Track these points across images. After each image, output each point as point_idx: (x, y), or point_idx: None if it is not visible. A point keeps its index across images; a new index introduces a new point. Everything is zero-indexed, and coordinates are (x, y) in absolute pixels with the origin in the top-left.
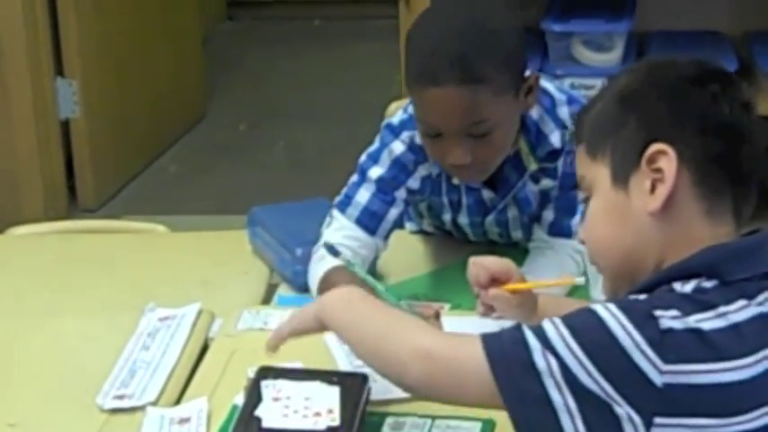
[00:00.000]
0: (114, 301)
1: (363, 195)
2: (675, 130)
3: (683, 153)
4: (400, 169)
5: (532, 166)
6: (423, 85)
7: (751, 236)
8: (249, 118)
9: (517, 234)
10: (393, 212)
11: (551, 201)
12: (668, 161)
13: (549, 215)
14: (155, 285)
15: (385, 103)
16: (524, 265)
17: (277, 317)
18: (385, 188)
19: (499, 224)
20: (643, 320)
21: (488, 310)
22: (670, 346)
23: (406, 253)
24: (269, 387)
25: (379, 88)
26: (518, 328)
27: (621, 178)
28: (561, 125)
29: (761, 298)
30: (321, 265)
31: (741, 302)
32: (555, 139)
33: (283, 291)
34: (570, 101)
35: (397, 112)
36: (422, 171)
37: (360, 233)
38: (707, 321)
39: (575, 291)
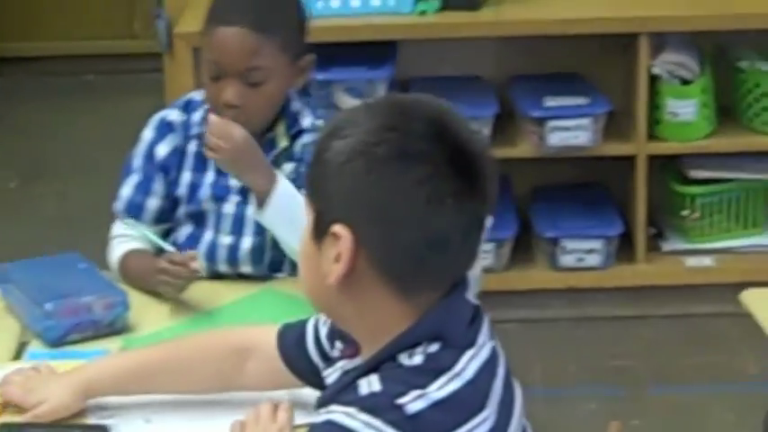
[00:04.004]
0: None
1: (126, 190)
2: (361, 216)
3: (367, 239)
4: (158, 131)
5: (283, 143)
6: (217, 24)
7: (454, 291)
8: (20, 174)
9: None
10: (153, 202)
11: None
12: (345, 244)
13: None
14: None
15: None
16: None
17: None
18: (144, 176)
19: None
20: (389, 414)
21: None
22: (422, 427)
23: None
24: None
25: None
26: None
27: (317, 235)
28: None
29: (480, 340)
30: (116, 251)
31: (469, 353)
32: (306, 122)
33: (35, 346)
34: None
35: None
36: (173, 141)
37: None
38: (445, 387)
39: None
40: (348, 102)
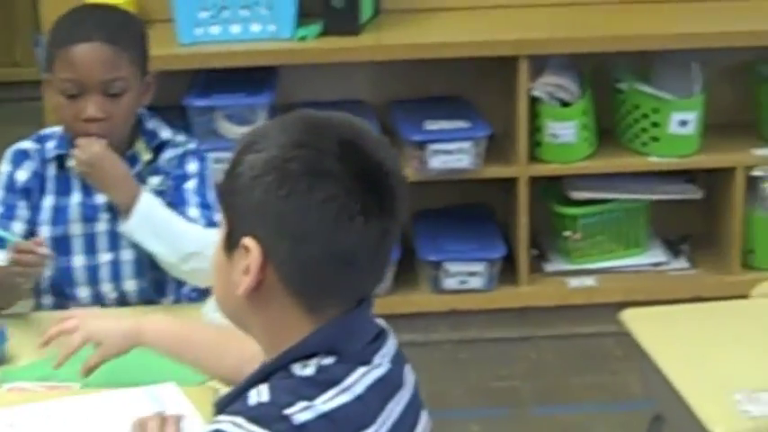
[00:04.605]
0: None
1: None
2: (271, 230)
3: (276, 253)
4: (14, 161)
5: (145, 157)
6: (70, 43)
7: (357, 308)
8: None
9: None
10: (18, 226)
11: (186, 202)
12: (253, 257)
13: (194, 212)
14: None
15: None
16: None
17: None
18: (6, 206)
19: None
20: (276, 424)
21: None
22: None
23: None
24: None
25: None
26: None
27: (229, 247)
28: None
29: (377, 360)
30: None
31: (362, 370)
32: (165, 135)
33: None
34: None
35: None
36: (31, 166)
37: None
38: (333, 400)
39: None
40: (229, 128)
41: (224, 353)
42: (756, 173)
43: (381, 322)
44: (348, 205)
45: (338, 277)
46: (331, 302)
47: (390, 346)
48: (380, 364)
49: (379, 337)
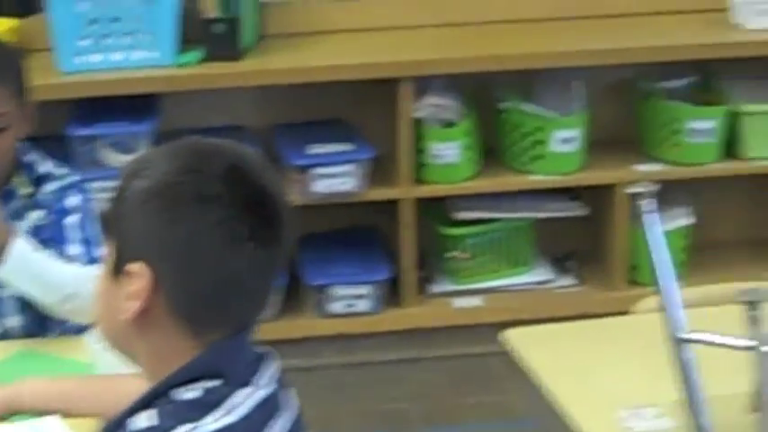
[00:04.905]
0: None
1: None
2: (158, 255)
3: (163, 279)
4: None
5: (25, 190)
6: None
7: (241, 332)
8: None
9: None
10: None
11: (67, 239)
12: (140, 282)
13: (74, 249)
14: None
15: None
16: None
17: None
18: None
19: None
20: None
21: None
22: None
23: None
24: None
25: None
26: None
27: (115, 272)
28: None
29: (261, 382)
30: None
31: (246, 391)
32: (45, 168)
33: None
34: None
35: None
36: None
37: None
38: (219, 421)
39: None
40: (113, 157)
41: (108, 401)
42: (631, 190)
43: (264, 347)
44: (236, 230)
45: (225, 302)
46: (216, 327)
47: (274, 369)
48: (264, 386)
49: (262, 359)
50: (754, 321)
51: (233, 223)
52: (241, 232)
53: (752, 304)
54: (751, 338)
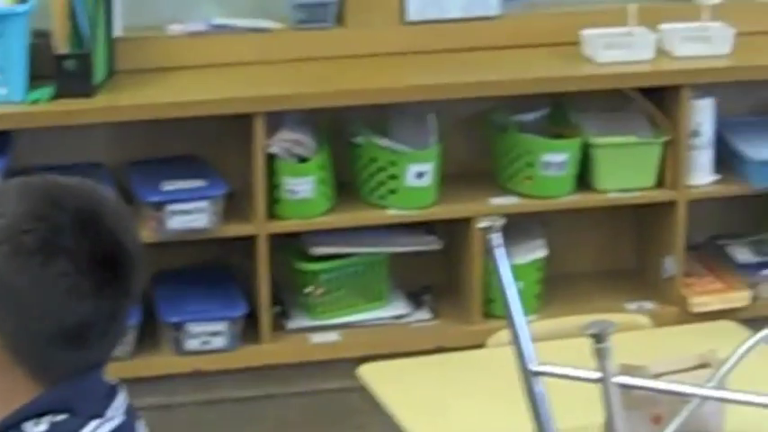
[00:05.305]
0: None
1: None
2: (0, 301)
3: (3, 324)
4: None
5: None
6: None
7: (90, 371)
8: None
9: None
10: None
11: None
12: None
13: None
14: None
15: None
16: None
17: None
18: None
19: None
20: None
21: None
22: None
23: None
24: None
25: None
26: None
27: None
28: None
29: (109, 414)
30: None
31: (95, 423)
32: None
33: None
34: None
35: None
36: None
37: None
38: None
39: None
40: None
41: None
42: (480, 225)
43: (112, 379)
44: (80, 282)
45: (67, 351)
46: (64, 369)
47: (122, 400)
48: (113, 417)
49: (112, 392)
50: (600, 354)
51: (77, 277)
52: (84, 285)
53: (597, 337)
54: (597, 371)
